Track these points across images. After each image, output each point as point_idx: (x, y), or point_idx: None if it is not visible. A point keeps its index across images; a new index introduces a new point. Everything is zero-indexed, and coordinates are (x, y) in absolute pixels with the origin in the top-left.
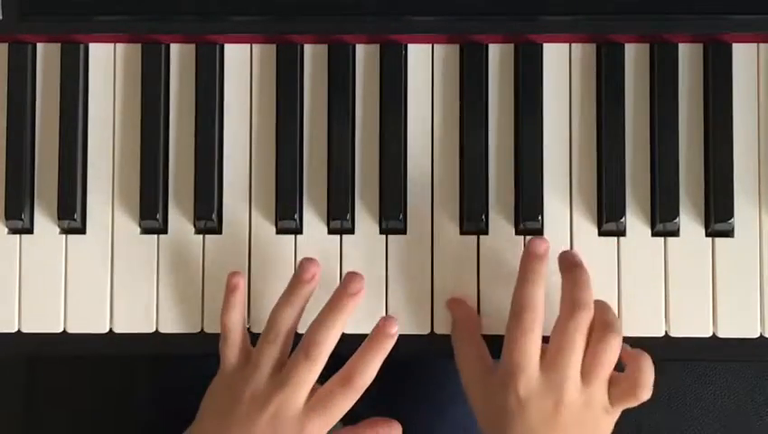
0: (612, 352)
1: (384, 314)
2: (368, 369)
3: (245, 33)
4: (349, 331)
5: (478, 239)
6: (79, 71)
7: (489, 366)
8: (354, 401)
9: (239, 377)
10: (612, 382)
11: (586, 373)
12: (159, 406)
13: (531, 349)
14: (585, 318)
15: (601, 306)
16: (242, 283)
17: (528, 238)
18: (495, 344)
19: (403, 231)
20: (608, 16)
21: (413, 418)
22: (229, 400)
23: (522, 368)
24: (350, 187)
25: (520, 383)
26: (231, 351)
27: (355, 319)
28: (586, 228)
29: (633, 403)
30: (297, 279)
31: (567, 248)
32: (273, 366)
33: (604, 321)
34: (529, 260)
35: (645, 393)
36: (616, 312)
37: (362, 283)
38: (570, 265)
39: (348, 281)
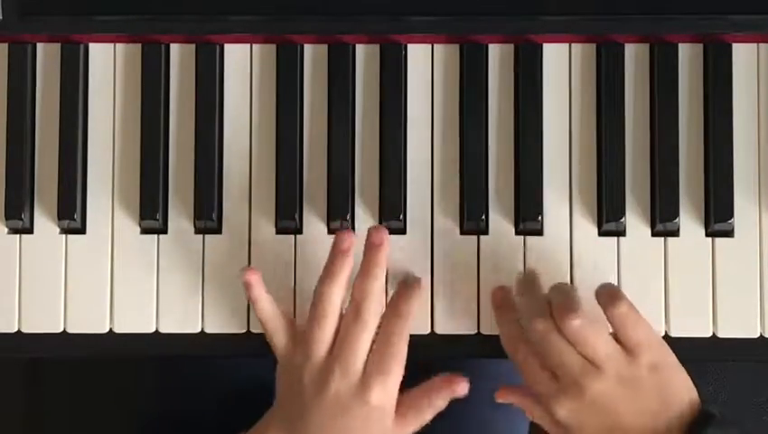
0: (585, 327)
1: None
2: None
3: (245, 33)
4: None
5: (478, 239)
6: (79, 71)
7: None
8: (406, 335)
9: (295, 364)
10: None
11: (590, 359)
12: (159, 406)
13: (569, 360)
14: (544, 322)
15: (555, 294)
16: (256, 277)
17: (524, 238)
18: (495, 344)
19: (403, 231)
20: (608, 16)
21: None
22: (290, 389)
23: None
24: (350, 187)
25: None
26: (277, 339)
27: None
28: (586, 228)
29: (627, 318)
30: (335, 251)
31: (567, 248)
32: (326, 349)
33: (558, 308)
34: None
35: (619, 301)
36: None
37: (384, 233)
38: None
39: (370, 235)
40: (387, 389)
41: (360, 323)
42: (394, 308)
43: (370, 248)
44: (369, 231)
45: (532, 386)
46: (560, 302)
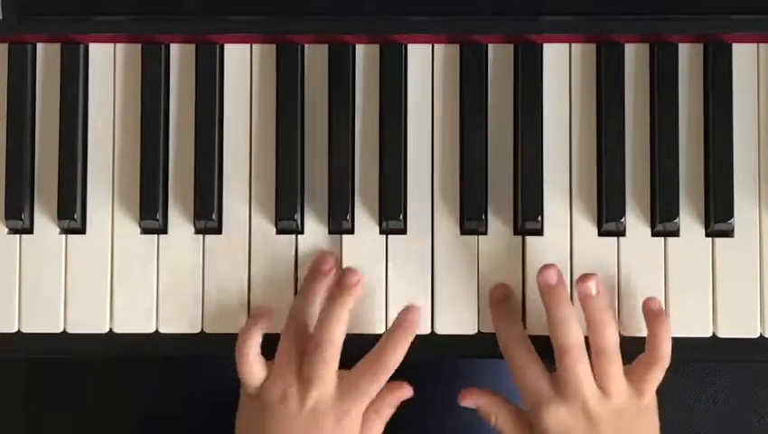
0: (614, 361)
1: (384, 314)
2: (394, 356)
3: (245, 33)
4: (350, 331)
5: (478, 239)
6: (79, 71)
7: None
8: (383, 382)
9: (268, 390)
10: (627, 374)
11: (603, 388)
12: (159, 406)
13: (584, 376)
14: (576, 355)
15: (592, 320)
16: (269, 313)
17: (527, 237)
18: (495, 344)
19: (403, 231)
20: (608, 16)
21: (412, 418)
22: (263, 413)
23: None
24: (350, 187)
25: (591, 407)
26: (256, 373)
27: (355, 320)
28: (586, 228)
29: (655, 381)
30: (313, 277)
31: (567, 248)
32: (295, 370)
33: (601, 348)
34: (549, 292)
35: (662, 366)
36: (616, 312)
37: (358, 276)
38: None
39: (345, 275)
40: (361, 406)
41: (323, 361)
42: (380, 346)
43: (342, 286)
44: (345, 272)
45: (524, 388)
46: (604, 341)
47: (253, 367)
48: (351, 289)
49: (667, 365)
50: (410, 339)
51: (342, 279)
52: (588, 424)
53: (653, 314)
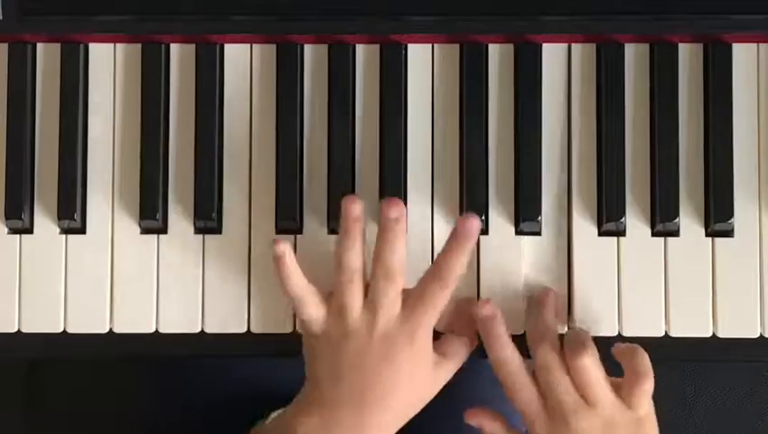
0: (591, 370)
1: None
2: (455, 265)
3: (245, 33)
4: None
5: (478, 239)
6: (79, 71)
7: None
8: (448, 293)
9: (332, 325)
10: (616, 388)
11: (585, 398)
12: (159, 407)
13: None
14: (549, 354)
15: (571, 332)
16: (288, 248)
17: (524, 238)
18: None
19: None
20: (608, 16)
21: (412, 419)
22: (332, 349)
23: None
24: (349, 187)
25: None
26: (313, 313)
27: None
28: (586, 228)
29: (645, 396)
30: (347, 220)
31: (567, 247)
32: (361, 301)
33: (570, 345)
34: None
35: (647, 382)
36: (616, 312)
37: (399, 207)
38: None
39: (386, 208)
40: (431, 319)
41: (390, 280)
42: (441, 257)
43: (386, 222)
44: (382, 203)
45: (516, 405)
46: (576, 339)
47: (311, 308)
48: (398, 213)
49: (651, 378)
50: (470, 246)
51: (384, 209)
52: None
53: (619, 354)
